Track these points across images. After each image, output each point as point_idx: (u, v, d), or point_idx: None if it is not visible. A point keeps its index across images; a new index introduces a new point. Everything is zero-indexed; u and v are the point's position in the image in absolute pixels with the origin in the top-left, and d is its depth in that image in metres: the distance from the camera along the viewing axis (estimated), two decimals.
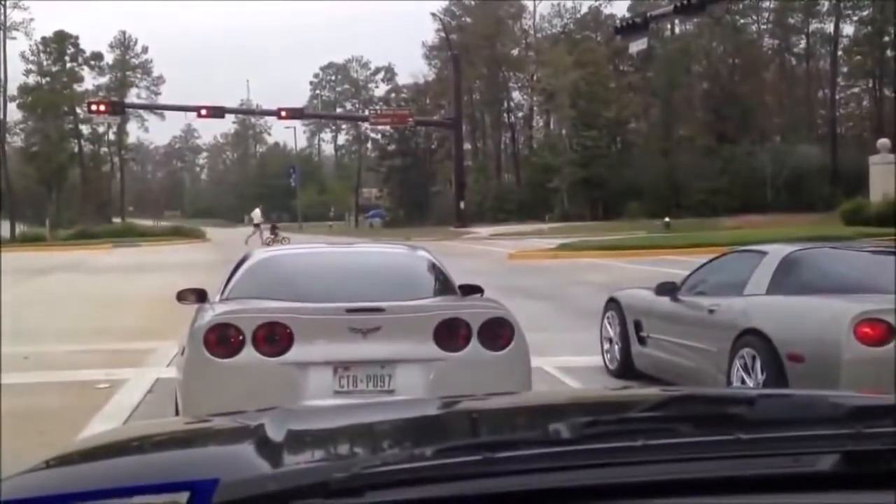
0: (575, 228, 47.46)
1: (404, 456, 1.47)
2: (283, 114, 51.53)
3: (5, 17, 59.59)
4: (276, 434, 1.72)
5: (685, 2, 24.61)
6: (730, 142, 59.52)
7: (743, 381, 6.45)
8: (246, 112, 58.49)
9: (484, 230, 50.86)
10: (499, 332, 5.57)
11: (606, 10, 75.55)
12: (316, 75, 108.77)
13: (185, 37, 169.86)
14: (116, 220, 73.36)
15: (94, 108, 49.22)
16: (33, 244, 44.77)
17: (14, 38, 62.82)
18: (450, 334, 5.50)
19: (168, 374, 8.93)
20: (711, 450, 1.39)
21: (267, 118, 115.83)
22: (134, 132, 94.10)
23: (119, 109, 50.49)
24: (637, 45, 27.16)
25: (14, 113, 68.60)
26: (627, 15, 74.74)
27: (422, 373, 5.47)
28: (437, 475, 1.33)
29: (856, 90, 71.64)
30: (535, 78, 74.86)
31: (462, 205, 55.15)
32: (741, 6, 66.61)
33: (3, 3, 58.94)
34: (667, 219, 45.74)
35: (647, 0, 71.92)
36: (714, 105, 62.83)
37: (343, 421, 2.11)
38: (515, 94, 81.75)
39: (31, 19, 63.23)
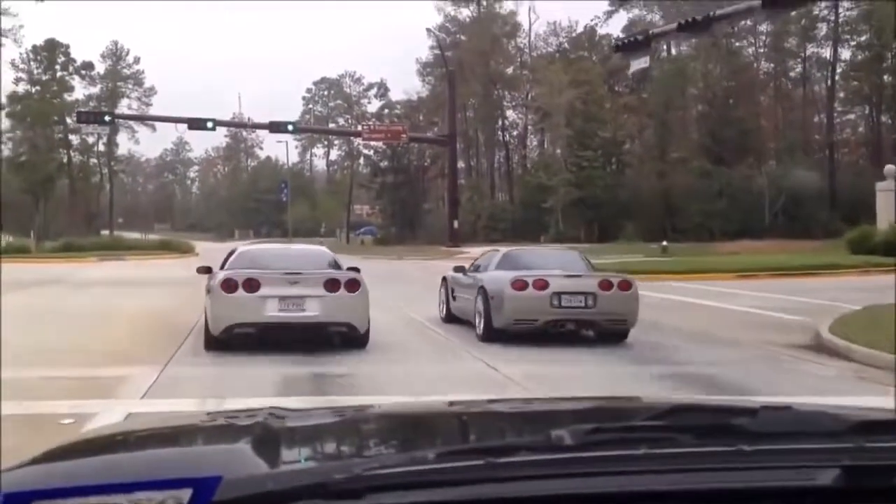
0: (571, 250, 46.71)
1: (405, 458, 1.46)
2: (275, 128, 50.70)
3: None
4: (276, 432, 1.79)
5: (689, 20, 23.89)
6: (726, 165, 58.85)
7: (479, 310, 13.00)
8: (237, 125, 57.55)
9: (477, 250, 50.01)
10: (353, 285, 11.59)
11: (601, 31, 75.17)
12: (308, 90, 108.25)
13: (177, 49, 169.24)
14: (105, 232, 72.38)
15: (83, 118, 48.30)
16: (17, 256, 43.77)
17: (2, 46, 61.22)
18: (329, 284, 11.51)
19: (141, 408, 8.11)
20: (714, 461, 1.42)
21: (259, 132, 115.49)
22: (125, 144, 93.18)
23: (109, 120, 49.53)
24: (638, 64, 26.31)
25: (1, 122, 67.09)
26: (622, 35, 74.48)
27: (317, 302, 11.42)
28: (437, 479, 1.34)
29: (851, 116, 71.16)
30: (529, 96, 74.20)
31: (455, 224, 54.35)
32: (737, 29, 66.26)
33: None
34: (664, 242, 45.13)
35: (641, 21, 71.92)
36: (710, 127, 62.16)
37: (343, 421, 2.17)
38: (510, 113, 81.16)
39: (21, 26, 61.79)
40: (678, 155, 60.32)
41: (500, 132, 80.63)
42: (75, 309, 17.40)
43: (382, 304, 15.87)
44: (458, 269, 15.12)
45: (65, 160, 75.25)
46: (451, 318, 14.82)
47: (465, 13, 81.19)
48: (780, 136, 66.48)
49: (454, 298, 14.74)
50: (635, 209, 59.30)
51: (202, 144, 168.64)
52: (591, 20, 75.85)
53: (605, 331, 12.58)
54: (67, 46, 74.80)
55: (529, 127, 78.04)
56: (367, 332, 11.76)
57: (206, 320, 11.75)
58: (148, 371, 9.67)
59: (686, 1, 67.19)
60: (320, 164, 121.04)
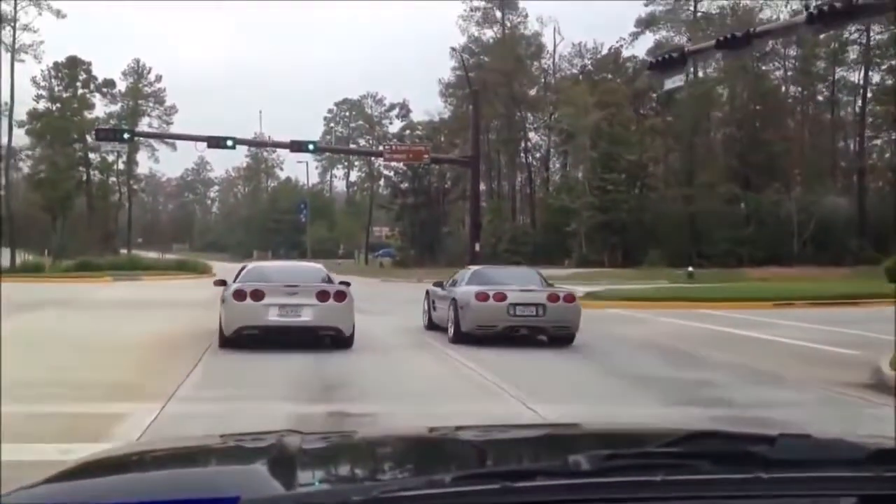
0: (595, 275, 45.60)
1: (422, 482, 1.45)
2: (296, 147, 49.96)
3: (14, 39, 57.54)
4: (292, 455, 1.78)
5: (729, 36, 22.92)
6: (753, 190, 57.59)
7: (451, 318, 15.45)
8: (257, 144, 56.79)
9: None
10: (341, 296, 13.88)
11: (627, 53, 74.29)
12: (330, 111, 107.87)
13: (198, 69, 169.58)
14: (124, 251, 71.84)
15: (101, 135, 47.78)
16: (31, 275, 43.19)
17: (22, 61, 60.28)
18: (321, 295, 13.76)
19: None
20: (731, 488, 1.42)
21: (279, 153, 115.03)
22: (145, 163, 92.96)
23: (128, 137, 48.93)
24: (672, 83, 25.23)
25: (21, 138, 66.26)
26: (647, 58, 73.45)
27: (310, 310, 13.66)
28: (455, 502, 1.35)
29: (878, 142, 69.68)
30: (553, 118, 73.30)
31: (477, 246, 53.26)
32: (764, 53, 65.21)
33: (12, 25, 56.95)
34: (690, 268, 44.03)
35: (668, 43, 70.90)
36: (738, 151, 60.93)
37: (358, 444, 2.22)
38: (532, 135, 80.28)
39: (41, 42, 60.44)
40: (705, 179, 59.01)
41: (522, 154, 79.75)
42: (78, 334, 16.51)
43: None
44: (437, 284, 17.94)
45: (84, 178, 74.71)
46: (432, 325, 17.54)
47: (489, 34, 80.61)
48: (806, 161, 65.16)
49: (434, 309, 17.44)
50: (660, 234, 58.14)
51: (223, 164, 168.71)
52: (617, 42, 74.93)
53: (552, 336, 15.16)
54: (89, 64, 74.49)
55: (552, 149, 77.10)
56: (352, 335, 14.20)
57: (220, 323, 14.15)
58: (148, 408, 8.74)
59: (708, 19, 66.72)
60: (340, 185, 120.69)
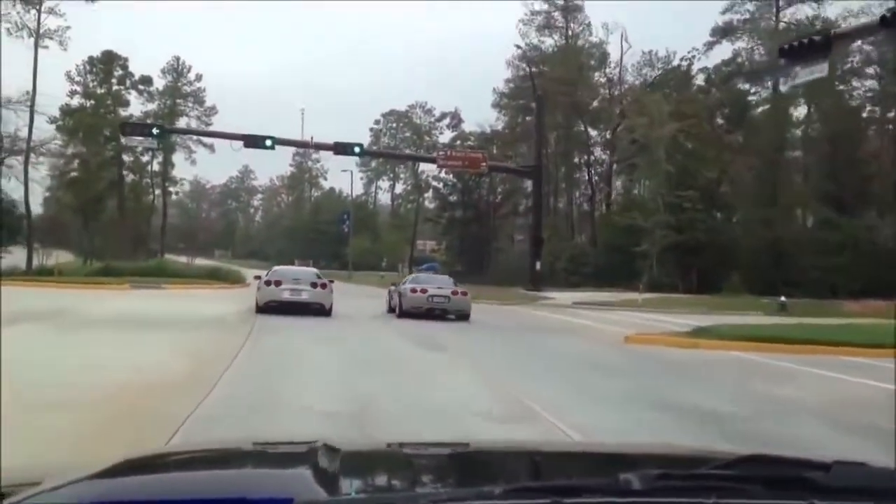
0: (673, 301, 40.25)
1: (472, 492, 1.43)
2: (340, 149, 45.45)
3: (39, 23, 52.81)
4: (336, 462, 1.75)
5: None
6: (847, 213, 51.80)
7: (397, 304, 27.12)
8: (298, 144, 52.33)
9: (562, 296, 43.78)
10: (324, 285, 26.03)
11: (699, 64, 68.84)
12: (377, 121, 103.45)
13: (241, 76, 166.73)
14: (162, 256, 67.78)
15: (128, 130, 43.56)
16: (42, 279, 38.96)
17: (46, 47, 54.76)
18: (312, 285, 25.99)
19: None
20: None
21: (323, 161, 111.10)
22: (184, 167, 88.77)
23: (157, 133, 44.70)
24: (810, 73, 20.20)
25: (46, 131, 60.76)
26: (708, 70, 68.21)
27: (306, 293, 25.47)
28: None
29: None
30: (618, 129, 67.96)
31: (538, 265, 48.21)
32: (844, 70, 59.71)
33: (37, 7, 52.20)
34: (782, 298, 38.67)
35: (747, 52, 65.61)
36: (828, 172, 55.10)
37: (403, 455, 2.18)
38: (593, 148, 75.08)
39: (68, 27, 55.00)
40: (791, 200, 53.19)
41: (584, 168, 74.55)
42: (45, 365, 11.77)
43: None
44: (394, 284, 29.21)
45: (116, 179, 70.44)
46: (390, 310, 27.59)
47: (549, 42, 75.77)
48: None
49: (392, 299, 27.88)
50: (740, 258, 52.54)
51: (267, 173, 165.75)
52: (689, 52, 69.48)
53: (455, 315, 25.89)
54: (126, 59, 70.09)
55: (615, 164, 71.69)
56: (331, 308, 25.02)
57: (256, 300, 25.15)
58: None
59: (790, 29, 61.31)
60: (384, 197, 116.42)
